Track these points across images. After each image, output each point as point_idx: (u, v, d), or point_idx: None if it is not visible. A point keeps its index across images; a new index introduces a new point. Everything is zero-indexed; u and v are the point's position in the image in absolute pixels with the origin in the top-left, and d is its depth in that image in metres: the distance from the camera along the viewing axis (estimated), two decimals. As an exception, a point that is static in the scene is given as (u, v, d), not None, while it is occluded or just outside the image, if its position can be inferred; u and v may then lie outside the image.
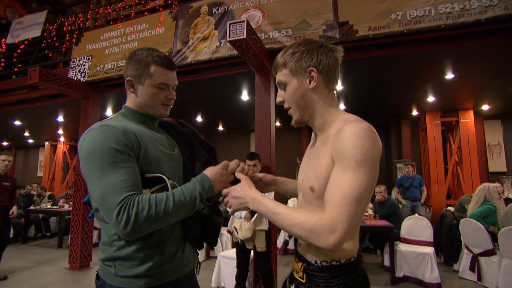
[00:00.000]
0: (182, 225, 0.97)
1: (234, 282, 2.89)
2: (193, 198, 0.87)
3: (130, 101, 1.01)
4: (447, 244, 3.89)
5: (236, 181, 0.94)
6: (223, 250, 4.25)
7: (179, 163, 0.99)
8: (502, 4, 2.69)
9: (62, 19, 5.08)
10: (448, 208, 4.70)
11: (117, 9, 4.65)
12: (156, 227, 0.83)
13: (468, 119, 5.62)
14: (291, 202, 5.37)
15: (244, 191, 0.87)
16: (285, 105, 0.93)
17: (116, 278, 0.87)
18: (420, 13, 2.90)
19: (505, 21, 2.72)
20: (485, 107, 5.57)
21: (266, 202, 0.83)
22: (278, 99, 0.93)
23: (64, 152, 8.80)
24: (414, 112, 6.03)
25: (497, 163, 6.12)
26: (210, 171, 0.94)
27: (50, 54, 4.99)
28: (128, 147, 0.85)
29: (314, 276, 0.86)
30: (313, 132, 1.00)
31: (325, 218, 0.73)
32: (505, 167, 6.07)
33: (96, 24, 4.73)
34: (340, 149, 0.77)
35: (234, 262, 2.95)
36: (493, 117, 6.15)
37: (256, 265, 2.89)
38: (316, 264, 0.86)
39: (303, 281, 0.89)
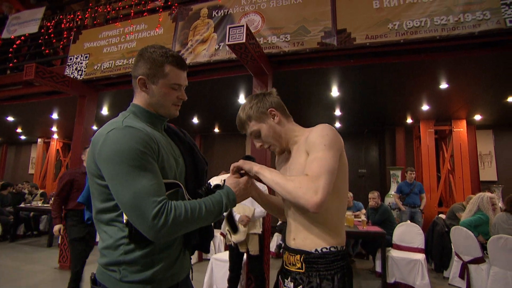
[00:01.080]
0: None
1: (226, 285, 2.88)
2: (220, 208, 0.92)
3: (140, 99, 0.98)
4: (438, 251, 3.94)
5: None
6: (216, 253, 4.23)
7: (182, 170, 0.99)
8: (495, 18, 2.77)
9: (61, 16, 5.05)
10: (440, 215, 4.76)
11: (117, 8, 4.65)
12: (186, 231, 0.87)
13: (461, 128, 5.72)
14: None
15: (253, 163, 1.06)
16: (265, 146, 1.14)
17: (120, 283, 0.85)
18: (417, 23, 2.96)
19: (497, 35, 2.80)
20: (478, 117, 5.68)
21: (271, 169, 1.01)
22: (258, 145, 1.14)
23: (57, 149, 8.69)
24: (409, 120, 6.11)
25: (488, 172, 6.23)
26: (232, 185, 0.99)
27: (47, 51, 4.95)
28: (152, 150, 0.85)
29: (315, 263, 1.00)
30: (284, 153, 1.19)
31: (309, 179, 0.91)
32: (495, 177, 6.18)
33: (94, 22, 4.72)
34: (311, 143, 0.98)
35: (227, 265, 2.95)
36: (485, 127, 6.27)
37: (249, 269, 2.89)
38: (317, 252, 1.00)
39: (302, 270, 1.01)
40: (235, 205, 0.97)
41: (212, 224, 1.05)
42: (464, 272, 3.40)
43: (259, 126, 1.11)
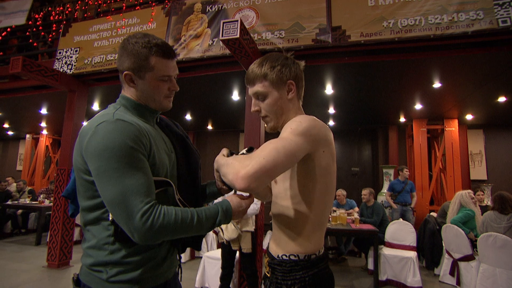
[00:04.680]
0: None
1: (219, 283, 2.86)
2: (211, 223, 0.85)
3: (130, 93, 0.93)
4: (429, 248, 3.98)
5: None
6: (208, 251, 4.20)
7: (174, 166, 0.95)
8: (488, 18, 2.79)
9: (49, 8, 4.91)
10: (431, 213, 4.82)
11: (108, 1, 4.54)
12: (171, 238, 0.82)
13: (452, 128, 5.79)
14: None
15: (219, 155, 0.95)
16: (261, 114, 0.99)
17: (107, 284, 0.82)
18: (411, 22, 2.96)
19: (489, 35, 2.82)
20: (469, 117, 5.75)
21: (221, 158, 0.90)
22: (254, 108, 0.99)
23: (47, 145, 8.50)
24: (402, 119, 6.15)
25: (478, 171, 6.32)
26: (233, 202, 0.90)
27: (35, 44, 4.81)
28: (143, 146, 0.81)
29: (275, 270, 0.91)
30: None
31: (248, 156, 0.80)
32: (485, 176, 6.28)
33: (85, 15, 4.60)
34: (283, 128, 0.89)
35: (219, 263, 2.92)
36: (476, 127, 6.36)
37: (241, 266, 2.87)
38: (278, 258, 0.92)
39: (269, 275, 0.95)
40: (229, 222, 0.91)
41: None
42: (454, 269, 3.44)
43: (269, 91, 0.95)
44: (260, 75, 0.95)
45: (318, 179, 0.89)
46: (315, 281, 0.88)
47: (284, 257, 0.91)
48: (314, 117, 0.90)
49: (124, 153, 0.77)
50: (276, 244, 0.95)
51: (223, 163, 0.85)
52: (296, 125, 0.85)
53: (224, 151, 0.95)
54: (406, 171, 5.23)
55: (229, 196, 0.93)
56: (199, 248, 1.05)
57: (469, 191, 3.69)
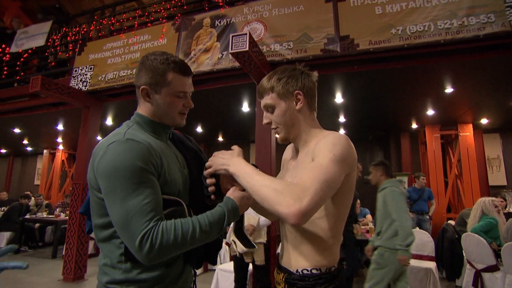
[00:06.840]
0: None
1: (233, 296, 2.82)
2: (219, 227, 0.85)
3: (145, 109, 0.95)
4: (449, 258, 3.82)
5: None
6: (221, 263, 4.16)
7: (187, 182, 0.96)
8: (499, 21, 2.75)
9: (66, 29, 5.15)
10: (449, 222, 4.65)
11: (121, 20, 4.73)
12: (177, 253, 0.82)
13: (467, 133, 5.64)
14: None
15: (231, 155, 0.90)
16: (272, 126, 1.01)
17: None
18: (420, 28, 2.95)
19: (502, 37, 2.77)
20: (484, 121, 5.60)
21: (247, 167, 0.84)
22: (265, 121, 1.02)
23: (63, 160, 8.75)
24: (414, 125, 6.04)
25: (497, 177, 6.10)
26: (236, 197, 0.89)
27: (53, 64, 5.03)
28: (153, 165, 0.82)
29: (295, 285, 0.90)
30: (292, 147, 1.10)
31: (296, 185, 0.75)
32: (505, 181, 6.05)
33: (99, 34, 4.79)
34: (318, 149, 0.85)
35: (232, 276, 2.89)
36: (492, 131, 6.17)
37: (255, 279, 2.83)
38: (298, 273, 0.90)
39: None
40: (238, 217, 0.91)
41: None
42: (477, 281, 3.28)
43: (277, 102, 0.97)
44: (268, 88, 0.99)
45: (345, 195, 0.92)
46: None
47: (305, 271, 0.90)
48: (345, 136, 0.88)
49: (132, 173, 0.78)
50: (295, 259, 0.93)
51: (258, 184, 0.78)
52: (335, 150, 0.82)
53: (236, 149, 0.92)
54: (423, 179, 5.06)
55: (230, 192, 0.90)
56: (214, 262, 1.04)
57: (493, 198, 3.54)
